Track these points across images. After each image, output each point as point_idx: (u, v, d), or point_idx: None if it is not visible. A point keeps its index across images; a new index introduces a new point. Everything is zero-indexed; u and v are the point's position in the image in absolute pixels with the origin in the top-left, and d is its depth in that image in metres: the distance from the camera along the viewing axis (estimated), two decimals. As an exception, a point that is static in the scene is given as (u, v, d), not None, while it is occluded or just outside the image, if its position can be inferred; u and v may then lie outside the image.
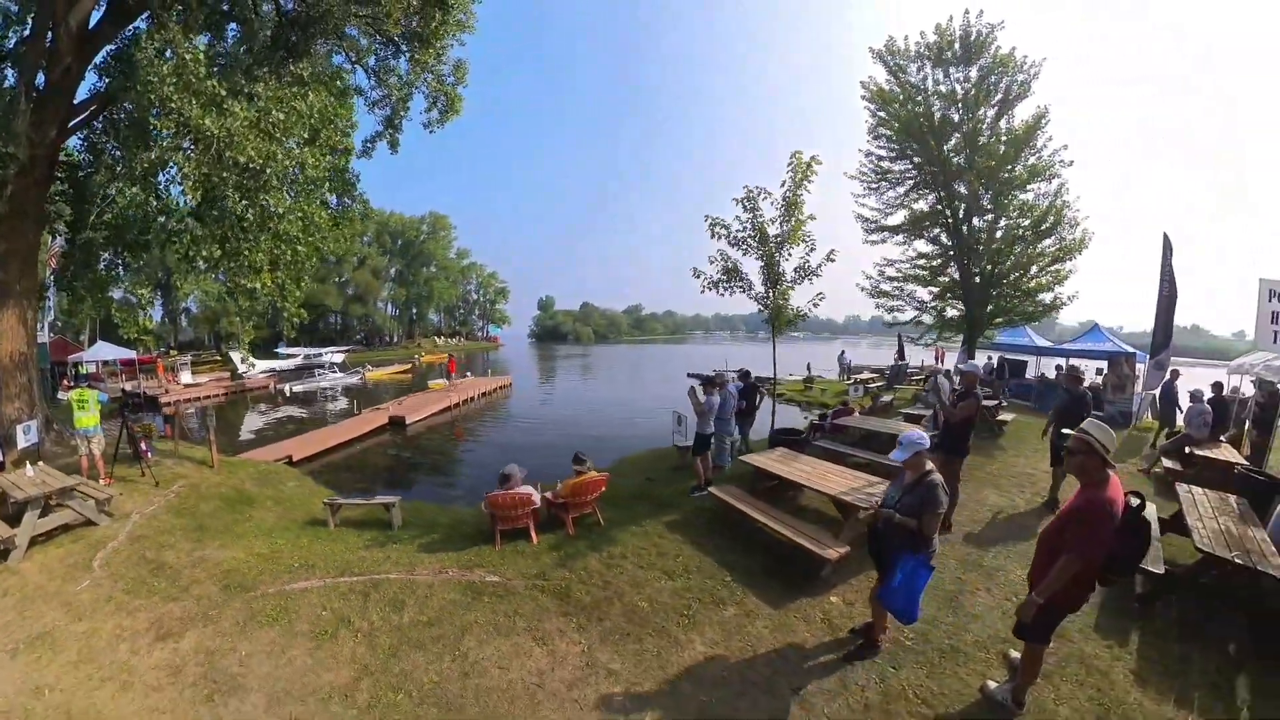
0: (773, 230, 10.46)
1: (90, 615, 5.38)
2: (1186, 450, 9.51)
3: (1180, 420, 11.68)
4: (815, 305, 11.06)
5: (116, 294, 36.75)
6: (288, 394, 33.07)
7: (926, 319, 16.96)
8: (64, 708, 4.11)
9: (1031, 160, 15.20)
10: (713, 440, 9.99)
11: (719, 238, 10.60)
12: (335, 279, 76.41)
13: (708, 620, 5.21)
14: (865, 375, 24.92)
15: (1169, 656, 4.71)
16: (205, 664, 4.58)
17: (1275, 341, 7.92)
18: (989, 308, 15.44)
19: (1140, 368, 15.70)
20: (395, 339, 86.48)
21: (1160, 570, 5.31)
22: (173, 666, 4.60)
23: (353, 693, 4.21)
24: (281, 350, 46.32)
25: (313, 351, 46.72)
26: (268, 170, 9.39)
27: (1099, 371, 19.25)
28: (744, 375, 11.75)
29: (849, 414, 12.23)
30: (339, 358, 44.94)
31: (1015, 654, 4.49)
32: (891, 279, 16.89)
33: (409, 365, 47.55)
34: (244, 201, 9.53)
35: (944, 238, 16.24)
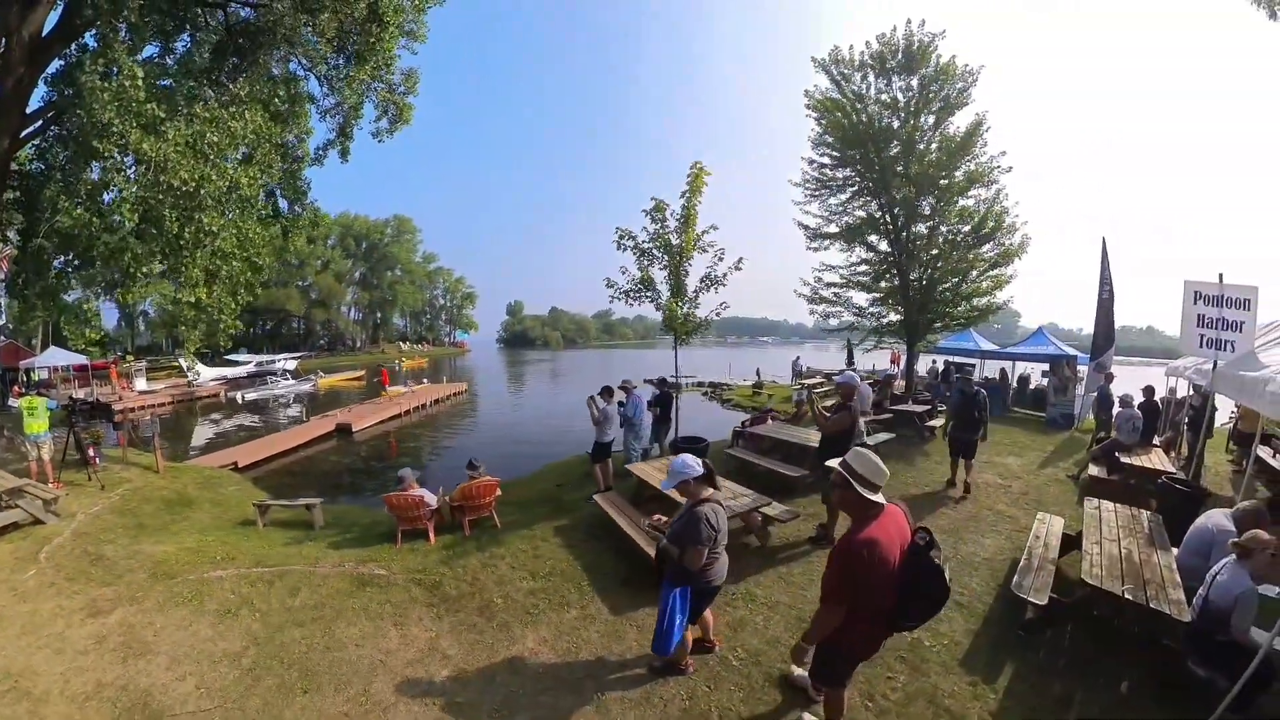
0: (675, 240, 10.70)
1: (34, 598, 6.05)
2: (1116, 456, 9.74)
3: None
4: (718, 314, 11.30)
5: (71, 297, 36.08)
6: (240, 402, 32.95)
7: (865, 325, 17.32)
8: (5, 668, 4.86)
9: (970, 166, 15.64)
10: (632, 447, 10.35)
11: (625, 249, 10.78)
12: (298, 283, 75.05)
13: (548, 620, 5.64)
14: (814, 380, 25.48)
15: (1045, 696, 4.32)
16: (125, 634, 5.38)
17: (1201, 345, 7.73)
18: (927, 313, 15.94)
19: (1082, 369, 16.24)
20: (359, 344, 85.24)
21: (1042, 601, 4.84)
22: (99, 636, 5.39)
23: (240, 658, 5.04)
24: (233, 357, 45.30)
25: (265, 359, 46.05)
26: (202, 191, 9.87)
27: (1044, 374, 20.14)
28: (660, 382, 12.01)
29: (764, 422, 12.45)
30: (291, 364, 44.36)
31: (798, 672, 4.41)
32: (830, 285, 17.26)
33: (360, 373, 46.89)
34: (180, 221, 10.03)
35: (884, 244, 16.66)
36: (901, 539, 3.09)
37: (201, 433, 23.29)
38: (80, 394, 25.14)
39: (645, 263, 10.93)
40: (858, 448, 3.29)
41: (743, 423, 13.19)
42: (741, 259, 10.99)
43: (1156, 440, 11.09)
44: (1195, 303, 7.95)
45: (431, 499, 7.98)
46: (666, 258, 10.77)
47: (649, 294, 11.14)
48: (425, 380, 38.81)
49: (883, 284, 16.92)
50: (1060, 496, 9.20)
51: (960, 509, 8.52)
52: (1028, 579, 5.24)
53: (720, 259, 10.85)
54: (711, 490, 4.10)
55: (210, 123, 10.07)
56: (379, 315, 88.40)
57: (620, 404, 10.32)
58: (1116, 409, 10.78)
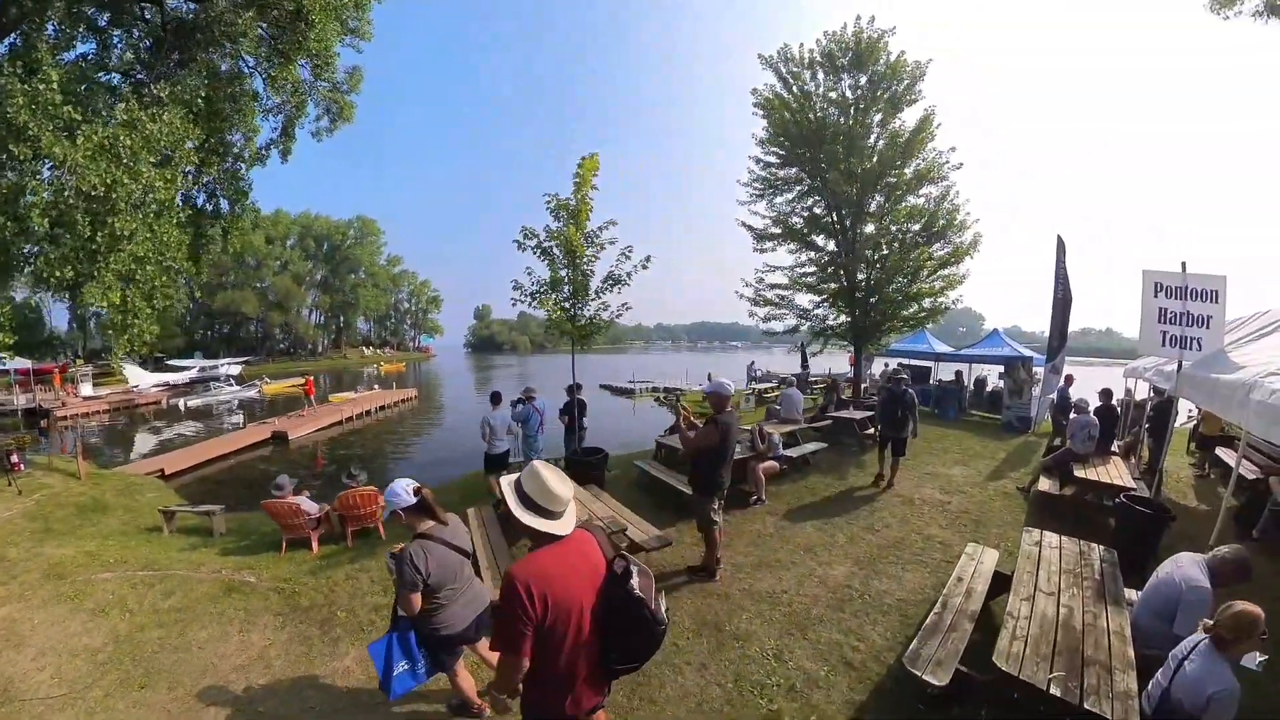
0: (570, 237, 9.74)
1: (-68, 595, 6.20)
2: (1069, 467, 8.67)
3: None
4: (619, 315, 10.34)
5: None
6: (183, 409, 31.45)
7: (810, 327, 16.17)
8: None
9: (919, 164, 14.91)
10: (528, 459, 9.24)
11: (525, 249, 9.81)
12: (255, 284, 72.25)
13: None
14: (766, 385, 24.25)
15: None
16: (5, 628, 5.60)
17: (1163, 344, 6.68)
18: (875, 315, 14.83)
19: (1038, 371, 15.61)
20: (320, 349, 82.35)
21: (942, 682, 3.59)
22: (-21, 630, 5.50)
23: (97, 653, 5.20)
24: (175, 362, 43.17)
25: (208, 364, 44.12)
26: (114, 195, 9.72)
27: (1000, 376, 19.28)
28: (571, 389, 10.91)
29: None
30: (235, 370, 42.44)
31: None
32: (775, 286, 16.12)
33: (309, 378, 44.91)
34: (93, 225, 9.91)
35: (831, 244, 15.57)
36: (592, 571, 2.51)
37: (138, 439, 22.86)
38: (22, 400, 25.06)
39: (546, 262, 9.92)
40: (536, 464, 2.61)
41: (665, 431, 11.94)
42: (649, 257, 9.95)
43: (1115, 447, 9.95)
44: (1155, 295, 6.78)
45: (311, 507, 7.82)
46: (565, 257, 9.73)
47: (554, 296, 9.98)
48: (376, 386, 37.59)
49: (830, 285, 15.73)
50: (1005, 515, 7.99)
51: (884, 533, 7.29)
52: (930, 644, 3.93)
53: (628, 256, 9.88)
54: (430, 523, 3.54)
55: (127, 125, 10.02)
56: (341, 319, 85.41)
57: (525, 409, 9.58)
58: (1071, 415, 9.66)
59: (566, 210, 9.56)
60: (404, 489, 3.47)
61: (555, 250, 9.72)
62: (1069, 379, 12.17)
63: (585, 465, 8.93)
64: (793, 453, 9.78)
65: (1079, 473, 8.21)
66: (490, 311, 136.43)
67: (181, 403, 32.95)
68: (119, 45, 12.68)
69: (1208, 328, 6.54)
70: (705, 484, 5.75)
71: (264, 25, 12.47)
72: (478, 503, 9.21)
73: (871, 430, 11.93)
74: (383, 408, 28.99)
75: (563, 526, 2.50)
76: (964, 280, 15.01)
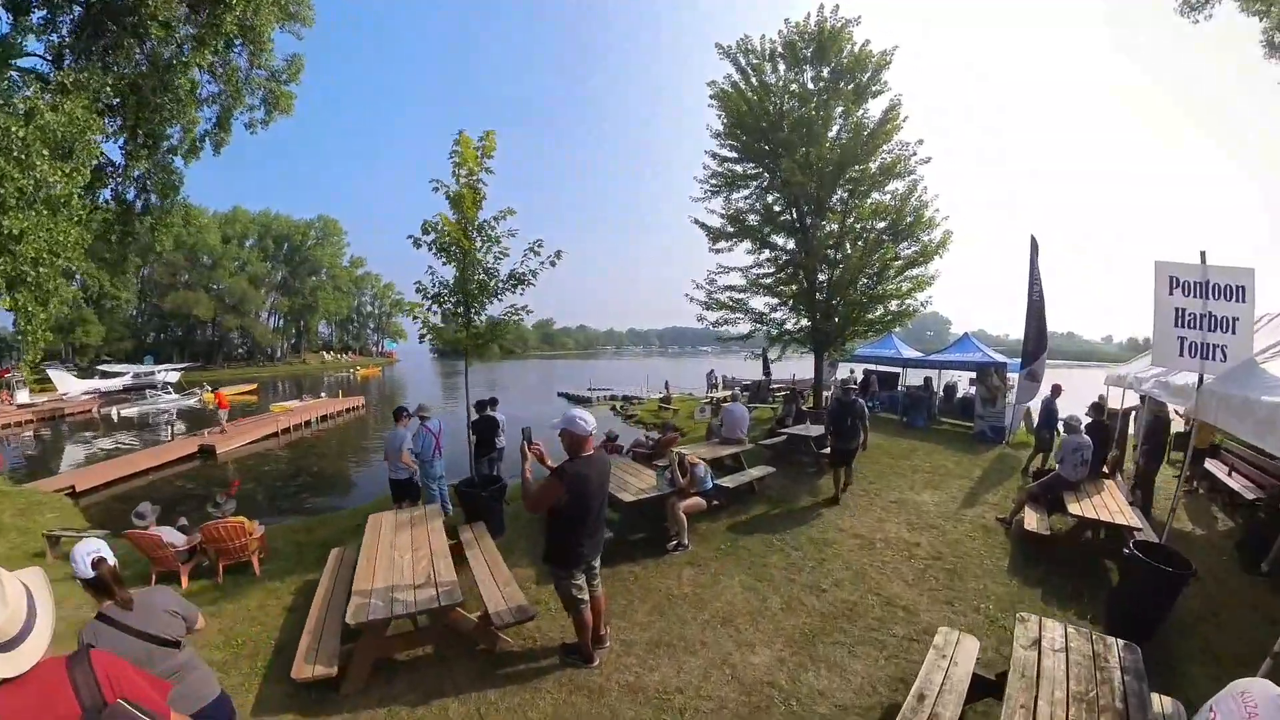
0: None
1: None
2: (1060, 496, 7.34)
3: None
4: (519, 319, 9.35)
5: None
6: (115, 419, 29.30)
7: (768, 332, 14.70)
8: None
9: (885, 158, 13.65)
10: (428, 488, 8.66)
11: (421, 245, 8.59)
12: (212, 285, 69.07)
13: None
14: (724, 394, 22.64)
15: None
16: None
17: (1182, 353, 5.37)
18: (836, 319, 13.43)
19: (1012, 378, 14.46)
20: (279, 354, 79.04)
21: None
22: None
23: None
24: (108, 368, 40.51)
25: (144, 369, 41.45)
26: (2, 190, 9.15)
27: (971, 382, 18.09)
28: (481, 405, 9.86)
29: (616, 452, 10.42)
30: (173, 376, 39.91)
31: None
32: (729, 288, 14.65)
33: (253, 386, 42.56)
34: None
35: (791, 243, 14.14)
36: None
37: (57, 451, 21.63)
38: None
39: (444, 260, 8.72)
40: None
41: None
42: (559, 252, 8.87)
43: (1105, 468, 8.66)
44: (1171, 292, 5.38)
45: (177, 539, 7.16)
46: (464, 256, 8.56)
47: (454, 298, 8.85)
48: (323, 394, 35.56)
49: (789, 288, 14.31)
50: (986, 561, 6.53)
51: (832, 594, 5.74)
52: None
53: (536, 252, 8.70)
54: (108, 602, 2.68)
55: (20, 115, 9.53)
56: (301, 323, 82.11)
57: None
58: (1061, 434, 8.21)
59: (463, 200, 8.17)
60: (83, 557, 2.76)
61: (454, 249, 8.37)
62: (1056, 389, 10.82)
63: (473, 499, 7.39)
64: (730, 482, 8.29)
65: (1072, 506, 6.78)
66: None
67: (114, 412, 30.64)
68: (37, 25, 11.70)
69: (1233, 332, 5.19)
70: (558, 553, 4.26)
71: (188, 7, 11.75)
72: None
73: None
74: (325, 418, 27.07)
75: (11, 663, 1.70)
76: (933, 281, 13.74)
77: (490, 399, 10.53)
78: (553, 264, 8.70)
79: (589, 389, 32.51)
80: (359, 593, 4.62)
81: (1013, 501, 8.21)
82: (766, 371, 21.56)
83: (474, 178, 8.26)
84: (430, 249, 8.48)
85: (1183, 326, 5.31)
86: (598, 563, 4.51)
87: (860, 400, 8.77)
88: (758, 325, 14.28)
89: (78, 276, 15.16)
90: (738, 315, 14.09)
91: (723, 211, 14.87)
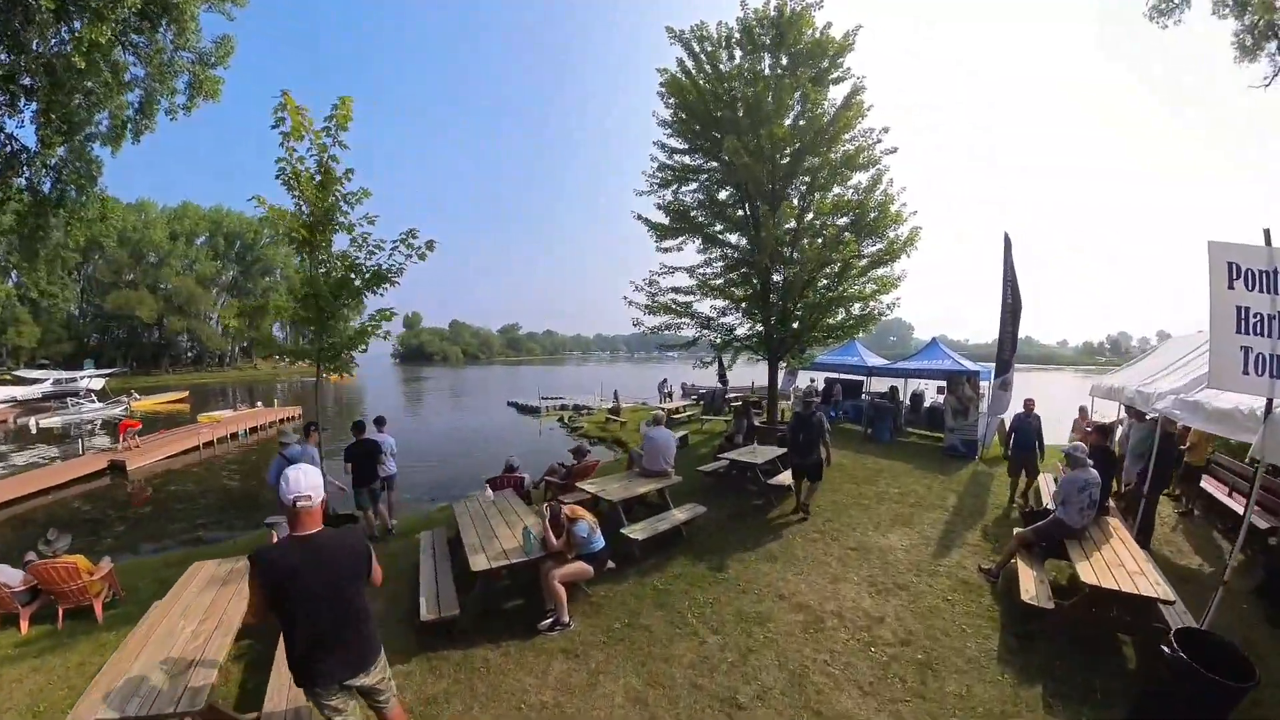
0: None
1: None
2: (1059, 543, 5.84)
3: (1046, 491, 8.25)
4: (378, 328, 8.11)
5: None
6: (34, 429, 26.60)
7: (715, 339, 13.00)
8: None
9: (848, 148, 12.24)
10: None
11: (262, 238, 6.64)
12: (161, 285, 65.13)
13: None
14: (676, 404, 20.76)
15: None
16: None
17: (1246, 369, 3.81)
18: (794, 324, 11.87)
19: (983, 386, 13.38)
20: (230, 359, 75.07)
21: None
22: None
23: None
24: (25, 373, 37.31)
25: (65, 375, 38.30)
26: None
27: (940, 390, 16.80)
28: (359, 426, 8.44)
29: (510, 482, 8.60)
30: (98, 384, 36.93)
31: None
32: (674, 290, 12.95)
33: (184, 394, 39.67)
34: None
35: (743, 240, 12.51)
36: None
37: None
38: None
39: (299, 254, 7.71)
40: None
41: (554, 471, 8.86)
42: (432, 242, 7.60)
43: (1110, 502, 7.18)
44: (1231, 285, 3.83)
45: (12, 577, 6.19)
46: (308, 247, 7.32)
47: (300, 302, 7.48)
48: (260, 404, 32.93)
49: (741, 289, 12.70)
50: (969, 643, 4.90)
51: (750, 713, 4.02)
52: None
53: (411, 245, 7.45)
54: None
55: None
56: (254, 326, 77.87)
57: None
58: (1063, 472, 6.29)
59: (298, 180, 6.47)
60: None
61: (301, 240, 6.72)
62: (1028, 404, 9.28)
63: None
64: (642, 532, 6.57)
65: (1081, 566, 5.18)
66: (420, 320, 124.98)
67: (32, 422, 27.74)
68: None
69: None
70: (293, 666, 2.88)
71: None
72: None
73: (782, 476, 8.98)
74: (256, 430, 24.70)
75: None
76: (899, 283, 12.29)
77: (377, 418, 9.21)
78: (422, 257, 7.38)
79: (540, 398, 30.36)
80: (108, 673, 3.81)
81: (998, 551, 6.66)
82: (723, 380, 19.87)
83: (325, 155, 6.86)
84: (280, 239, 6.72)
85: (1247, 332, 3.77)
86: (381, 679, 2.95)
87: (821, 415, 7.97)
88: (705, 331, 12.58)
89: (12, 274, 13.60)
90: (683, 320, 12.37)
91: (673, 205, 13.19)
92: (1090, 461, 5.80)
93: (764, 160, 11.35)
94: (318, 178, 6.97)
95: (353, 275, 7.36)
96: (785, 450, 9.50)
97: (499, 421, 24.60)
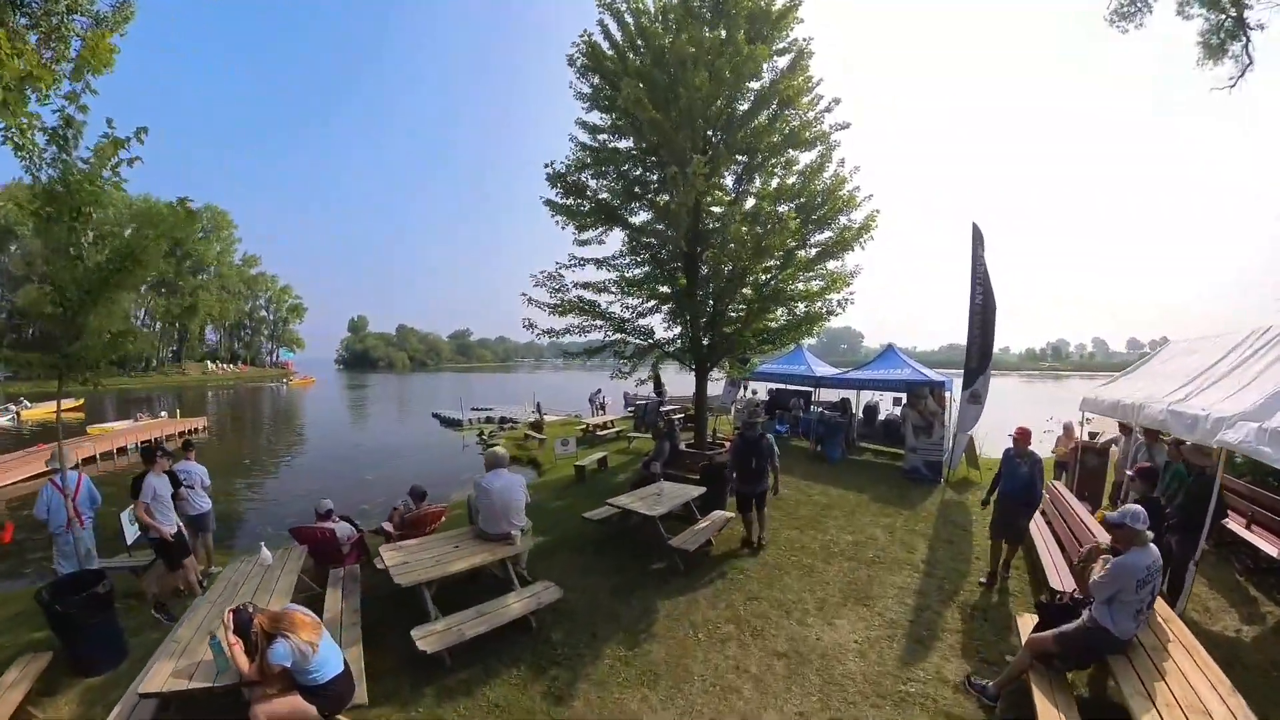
0: None
1: None
2: (1101, 656, 3.73)
3: (1048, 551, 5.96)
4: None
5: None
6: None
7: (633, 344, 10.43)
8: None
9: (794, 123, 10.12)
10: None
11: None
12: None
13: None
14: (605, 418, 18.19)
15: None
16: None
17: None
18: (727, 329, 9.60)
19: (948, 397, 11.56)
20: (155, 362, 69.22)
21: None
22: None
23: None
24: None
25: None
26: None
27: (896, 401, 14.88)
28: (148, 453, 6.36)
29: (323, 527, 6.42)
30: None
31: None
32: (584, 286, 10.31)
33: (80, 402, 35.44)
34: None
35: (663, 226, 10.06)
36: None
37: None
38: None
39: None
40: None
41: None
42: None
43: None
44: None
45: None
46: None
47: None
48: (164, 414, 29.17)
49: (662, 286, 10.33)
50: None
51: None
52: None
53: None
54: None
55: None
56: (181, 327, 72.25)
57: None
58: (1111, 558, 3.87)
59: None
60: None
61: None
62: (1022, 438, 6.21)
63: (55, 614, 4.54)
64: (432, 642, 4.12)
65: (1139, 707, 3.03)
66: (367, 324, 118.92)
67: None
68: None
69: None
70: None
71: None
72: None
73: (710, 521, 6.70)
74: (145, 444, 21.11)
75: None
76: (853, 278, 10.19)
77: (185, 443, 7.68)
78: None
79: (472, 409, 27.02)
80: None
81: (992, 644, 4.50)
82: (659, 391, 17.36)
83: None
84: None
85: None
86: None
87: (769, 437, 7.06)
88: (620, 335, 10.09)
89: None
90: (596, 322, 9.85)
91: (582, 188, 10.65)
92: (1151, 533, 3.63)
93: (678, 118, 9.03)
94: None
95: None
96: (706, 489, 7.30)
97: (419, 435, 21.78)
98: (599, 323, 9.70)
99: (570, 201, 9.24)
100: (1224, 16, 12.04)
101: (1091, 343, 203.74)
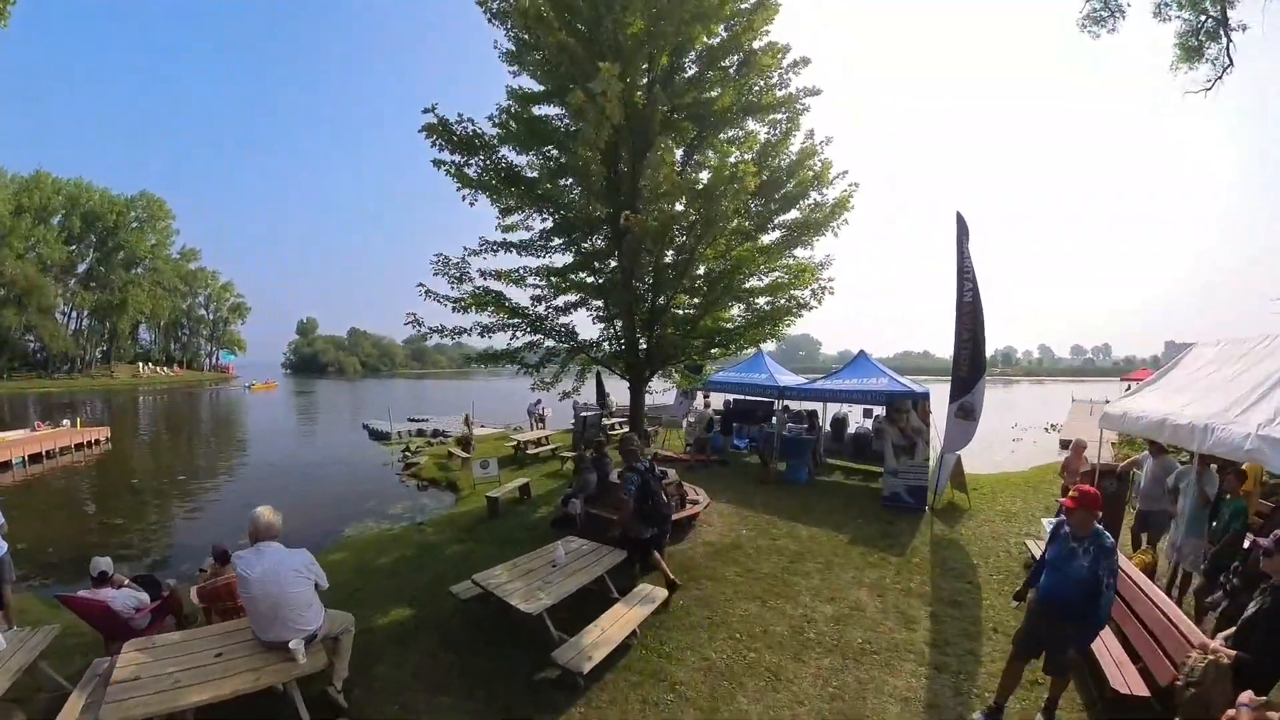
0: None
1: None
2: None
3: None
4: None
5: None
6: None
7: (564, 349, 8.24)
8: None
9: (757, 87, 8.31)
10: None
11: None
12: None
13: None
14: (539, 434, 15.65)
15: None
16: None
17: None
18: (671, 329, 7.55)
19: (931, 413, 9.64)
20: (82, 363, 63.56)
21: None
22: None
23: None
24: None
25: None
26: None
27: (867, 414, 13.18)
28: None
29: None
30: None
31: None
32: (494, 275, 8.03)
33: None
34: None
35: (579, 186, 7.97)
36: None
37: None
38: None
39: None
40: None
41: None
42: None
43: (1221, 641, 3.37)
44: None
45: None
46: None
47: None
48: (66, 422, 25.48)
49: (590, 277, 8.22)
50: None
51: None
52: None
53: None
54: None
55: None
56: (111, 325, 66.48)
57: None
58: None
59: None
60: None
61: None
62: (1088, 498, 3.60)
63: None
64: None
65: None
66: (316, 326, 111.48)
67: None
68: None
69: None
70: None
71: None
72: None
73: (618, 625, 4.62)
74: (43, 456, 17.88)
75: None
76: (824, 269, 8.32)
77: None
78: None
79: (409, 419, 23.92)
80: None
81: None
82: (602, 397, 15.16)
83: None
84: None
85: None
86: None
87: (665, 470, 6.20)
88: (537, 334, 7.86)
89: None
90: (511, 320, 7.61)
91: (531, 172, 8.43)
92: None
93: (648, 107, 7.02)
94: None
95: None
96: (629, 544, 5.31)
97: (342, 450, 19.13)
98: (516, 320, 7.54)
99: (462, 159, 6.97)
100: (1205, 18, 11.62)
101: (1038, 349, 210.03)
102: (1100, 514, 3.67)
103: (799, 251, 8.72)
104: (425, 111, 6.55)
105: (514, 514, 8.72)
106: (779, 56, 8.22)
